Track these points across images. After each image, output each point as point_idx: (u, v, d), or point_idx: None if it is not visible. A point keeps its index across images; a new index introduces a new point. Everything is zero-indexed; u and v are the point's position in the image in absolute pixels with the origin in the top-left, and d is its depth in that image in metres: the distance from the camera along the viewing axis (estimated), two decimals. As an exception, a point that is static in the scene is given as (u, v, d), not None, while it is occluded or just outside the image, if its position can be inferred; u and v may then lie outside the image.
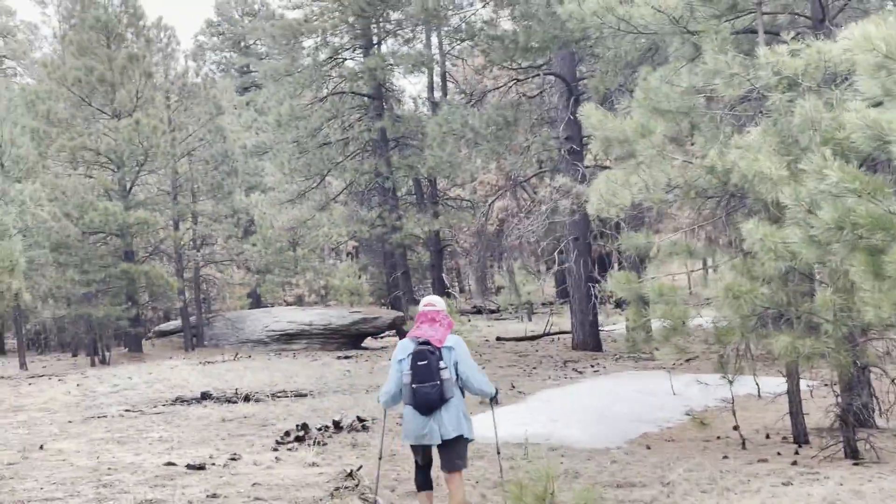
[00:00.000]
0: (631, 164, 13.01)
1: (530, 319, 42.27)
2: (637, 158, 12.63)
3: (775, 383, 16.30)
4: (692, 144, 12.68)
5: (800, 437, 12.76)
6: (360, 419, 15.19)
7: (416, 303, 33.28)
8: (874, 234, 6.87)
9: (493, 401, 8.55)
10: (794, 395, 12.72)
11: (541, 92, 28.65)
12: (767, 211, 11.30)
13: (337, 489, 10.26)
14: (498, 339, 33.36)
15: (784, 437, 13.34)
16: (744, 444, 12.78)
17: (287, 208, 34.42)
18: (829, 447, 11.78)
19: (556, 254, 26.58)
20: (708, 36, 12.05)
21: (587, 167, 25.87)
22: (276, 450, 13.13)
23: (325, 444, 13.47)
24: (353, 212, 33.83)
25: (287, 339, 31.95)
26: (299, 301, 43.65)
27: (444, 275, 38.60)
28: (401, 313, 33.98)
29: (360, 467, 11.15)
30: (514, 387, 19.42)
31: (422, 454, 8.19)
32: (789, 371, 12.63)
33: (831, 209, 7.14)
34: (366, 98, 33.72)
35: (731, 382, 12.68)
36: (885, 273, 6.99)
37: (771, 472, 10.84)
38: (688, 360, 23.73)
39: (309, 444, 13.45)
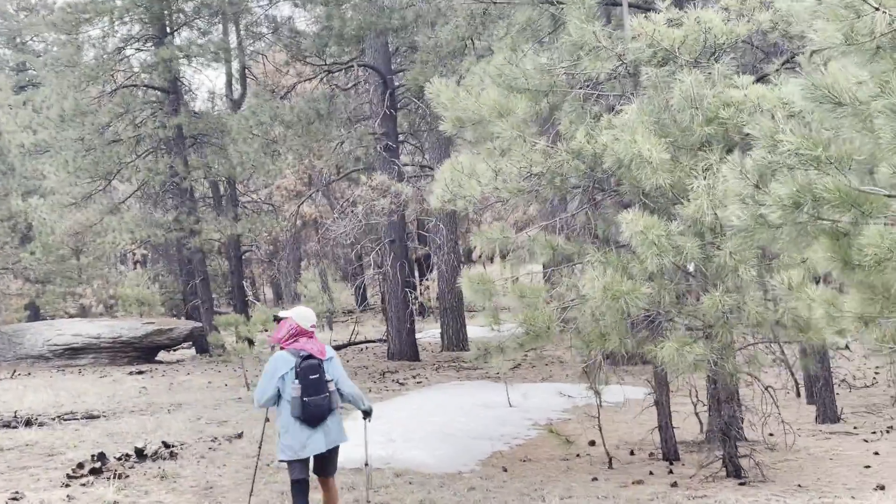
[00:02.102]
0: (483, 149, 11.56)
1: (331, 328, 40.47)
2: (494, 142, 11.18)
3: (615, 392, 15.14)
4: (555, 126, 11.30)
5: (670, 452, 11.56)
6: (166, 445, 13.13)
7: (214, 312, 31.26)
8: (841, 212, 5.63)
9: (367, 416, 8.71)
10: (663, 406, 11.50)
11: (354, 85, 26.97)
12: (645, 200, 10.01)
13: (150, 539, 8.31)
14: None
15: (651, 454, 12.13)
16: (610, 462, 11.45)
17: (71, 212, 31.44)
18: (708, 464, 10.59)
19: (371, 257, 24.94)
20: (573, 5, 10.69)
21: (405, 165, 24.38)
22: (67, 485, 10.98)
23: (127, 478, 11.41)
24: (147, 214, 31.19)
25: (72, 353, 29.05)
26: (84, 312, 40.45)
27: (245, 282, 36.33)
28: (199, 324, 31.55)
29: (178, 509, 9.23)
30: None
31: (303, 467, 8.14)
32: (658, 380, 11.40)
33: (789, 182, 5.87)
34: (160, 92, 31.15)
35: (598, 394, 11.32)
36: (856, 260, 5.75)
37: (654, 497, 9.54)
38: (513, 369, 22.58)
39: (108, 479, 11.33)
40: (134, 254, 49.65)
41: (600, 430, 11.64)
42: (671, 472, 10.88)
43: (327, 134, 23.81)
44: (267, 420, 15.93)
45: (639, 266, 9.79)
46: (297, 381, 7.90)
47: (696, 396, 11.96)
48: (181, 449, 13.17)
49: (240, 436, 14.35)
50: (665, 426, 11.53)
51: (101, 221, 31.00)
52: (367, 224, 24.79)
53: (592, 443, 12.23)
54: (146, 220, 30.70)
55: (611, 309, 9.55)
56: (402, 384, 20.87)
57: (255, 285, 60.24)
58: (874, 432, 13.37)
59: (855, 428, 13.76)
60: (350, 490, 10.44)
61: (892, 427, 13.69)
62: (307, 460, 8.14)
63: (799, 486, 10.04)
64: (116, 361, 28.93)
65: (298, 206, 26.57)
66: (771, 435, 11.48)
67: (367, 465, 9.44)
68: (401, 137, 25.94)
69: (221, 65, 31.50)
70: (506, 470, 11.49)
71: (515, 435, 14.13)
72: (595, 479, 10.65)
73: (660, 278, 9.78)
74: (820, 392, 14.02)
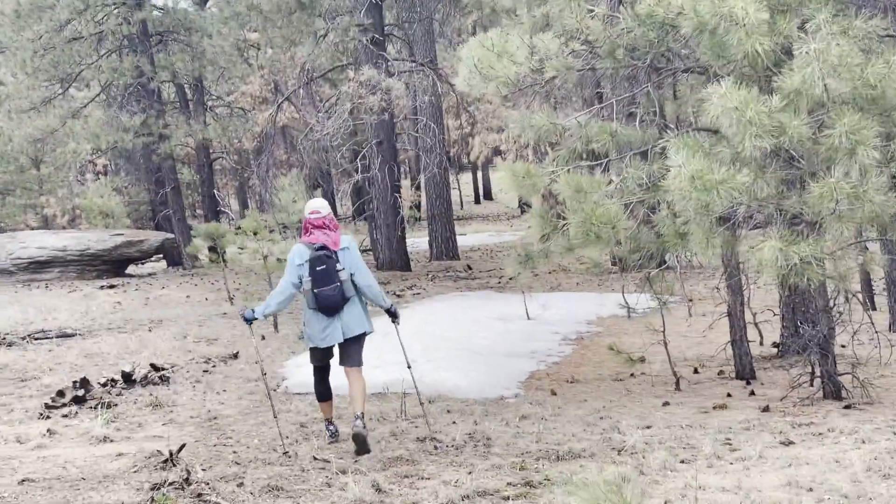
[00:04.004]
0: (525, 20, 9.81)
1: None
2: (538, 9, 9.42)
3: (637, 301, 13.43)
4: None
5: (745, 370, 10.03)
6: (155, 368, 11.47)
7: (188, 226, 29.36)
8: None
9: (394, 318, 8.57)
10: (736, 318, 9.94)
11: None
12: (741, 73, 8.31)
13: (156, 487, 6.65)
14: (279, 259, 29.60)
15: (720, 372, 10.60)
16: (678, 383, 9.89)
17: (30, 118, 29.21)
18: (799, 384, 9.06)
19: (357, 161, 23.06)
20: None
21: (394, 60, 22.46)
22: (47, 417, 9.38)
23: (115, 407, 9.79)
24: (112, 119, 28.96)
25: (37, 267, 27.13)
26: (46, 225, 38.44)
27: (216, 192, 34.32)
28: (171, 235, 29.69)
29: (183, 446, 7.58)
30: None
31: (324, 355, 8.23)
32: (732, 288, 9.82)
33: None
34: (121, -15, 28.83)
35: (664, 304, 9.71)
36: None
37: (749, 425, 8.01)
38: (512, 278, 21.01)
39: (93, 408, 9.71)
40: (95, 164, 47.51)
41: (665, 346, 10.05)
42: (753, 393, 9.36)
43: (310, 25, 21.74)
44: (263, 337, 14.39)
45: (730, 151, 8.15)
46: (308, 274, 7.93)
47: (740, 308, 10.39)
48: (173, 372, 11.56)
49: (235, 356, 12.74)
50: (739, 340, 10.00)
51: (63, 127, 28.91)
52: (354, 124, 22.93)
53: (643, 359, 10.67)
54: (111, 125, 28.58)
55: (699, 203, 7.89)
56: (398, 296, 19.26)
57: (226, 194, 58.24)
58: (962, 343, 11.95)
59: (937, 338, 12.35)
60: (381, 421, 8.86)
61: (979, 336, 12.29)
62: (328, 350, 8.19)
63: (915, 408, 8.57)
64: (84, 275, 27.10)
65: (277, 106, 24.50)
66: (860, 345, 9.91)
67: (409, 367, 8.84)
68: (386, 30, 23.90)
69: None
70: (555, 394, 9.93)
71: (548, 352, 12.58)
72: (666, 403, 9.10)
73: (757, 165, 8.12)
74: (895, 297, 12.53)
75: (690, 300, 10.05)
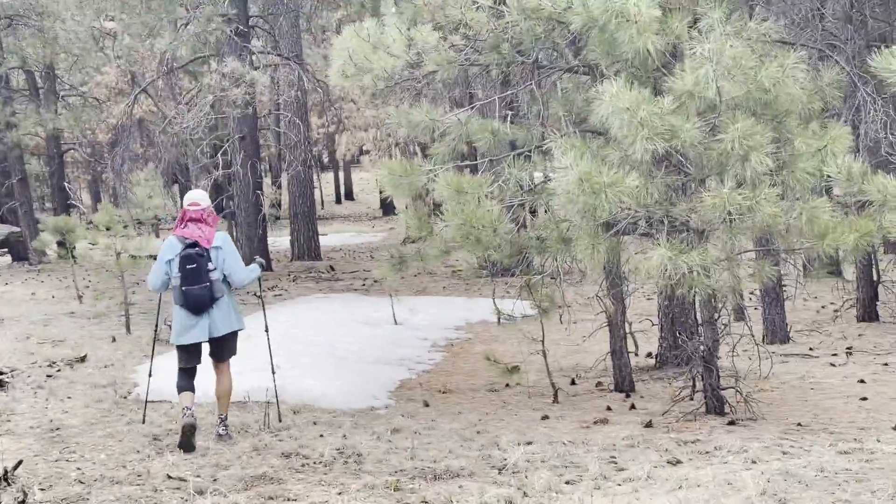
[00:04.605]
0: (407, 9, 9.29)
1: (157, 236, 37.18)
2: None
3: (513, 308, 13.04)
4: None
5: (624, 383, 9.70)
6: (-9, 372, 10.58)
7: (36, 220, 27.88)
8: None
9: (259, 280, 8.77)
10: (616, 328, 9.60)
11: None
12: (631, 73, 7.94)
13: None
14: (132, 256, 28.32)
15: (598, 384, 10.24)
16: (556, 395, 9.48)
17: None
18: (681, 398, 8.75)
19: (219, 156, 22.11)
20: None
21: (259, 52, 21.66)
22: None
23: (-57, 416, 8.91)
24: (-45, 104, 27.36)
25: None
26: None
27: (66, 184, 32.77)
28: (17, 228, 28.16)
29: (20, 462, 6.79)
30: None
31: (189, 354, 8.02)
32: (615, 297, 9.48)
33: None
34: (-31, -36, 27.28)
35: (545, 312, 9.29)
36: None
37: (632, 442, 7.63)
38: (377, 281, 20.46)
39: (-84, 418, 8.81)
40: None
41: (544, 356, 9.62)
42: (633, 406, 9.01)
43: (171, 13, 20.78)
44: (114, 339, 13.51)
45: (619, 154, 7.78)
46: (177, 270, 7.76)
47: (621, 318, 10.07)
48: (12, 377, 10.67)
49: (82, 359, 11.87)
50: (619, 351, 9.65)
51: None
52: (216, 118, 22.04)
53: (516, 368, 10.24)
54: (-47, 111, 26.99)
55: (586, 206, 7.49)
56: (258, 297, 18.44)
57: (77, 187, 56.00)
58: (835, 354, 11.85)
59: (811, 349, 12.22)
60: (243, 433, 8.21)
61: (851, 348, 12.22)
62: (195, 351, 8.01)
63: (800, 424, 8.33)
64: (-80, 269, 25.51)
65: (134, 98, 23.35)
66: (736, 356, 9.65)
67: (273, 372, 8.91)
68: (251, 22, 23.08)
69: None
70: (428, 405, 9.42)
71: (417, 359, 12.07)
72: (546, 416, 8.67)
73: (646, 169, 7.77)
74: (769, 308, 12.42)
75: (565, 307, 9.64)
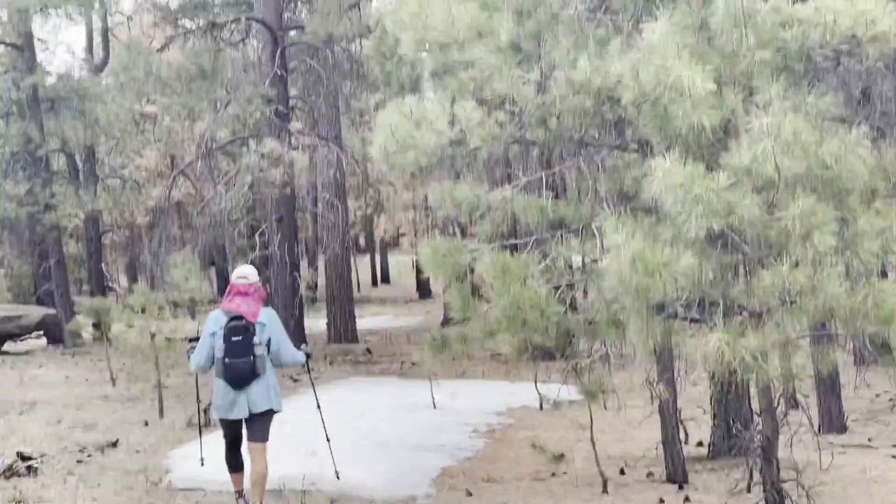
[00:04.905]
0: (452, 83, 9.07)
1: (193, 318, 36.95)
2: (465, 72, 8.69)
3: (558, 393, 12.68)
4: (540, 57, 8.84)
5: (677, 473, 9.23)
6: (22, 457, 10.24)
7: (72, 302, 27.77)
8: None
9: (308, 364, 8.86)
10: (669, 415, 9.18)
11: (242, 40, 23.92)
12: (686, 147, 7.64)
13: None
14: (167, 339, 28.07)
15: (649, 473, 9.77)
16: (605, 485, 9.03)
17: None
18: (738, 491, 8.29)
19: (256, 237, 21.98)
20: None
21: (298, 133, 21.61)
22: None
23: (-31, 505, 8.59)
24: (-5, 186, 27.48)
25: None
26: (-85, 298, 36.34)
27: (104, 266, 32.82)
28: (53, 310, 28.05)
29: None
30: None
31: (230, 428, 8.05)
32: (666, 383, 9.08)
33: None
34: (12, 48, 27.52)
35: (593, 396, 8.87)
36: None
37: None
38: (414, 364, 20.10)
39: (-58, 506, 8.49)
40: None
41: (593, 444, 9.19)
42: (688, 499, 8.55)
43: (211, 94, 20.81)
44: (146, 423, 13.20)
45: (673, 232, 7.44)
46: (221, 342, 7.73)
47: (673, 405, 9.64)
48: (42, 462, 10.32)
49: (114, 444, 11.54)
50: (671, 440, 9.21)
51: (-59, 192, 27.38)
52: (253, 198, 21.95)
53: (562, 456, 9.81)
54: (-6, 193, 27.13)
55: (640, 287, 7.14)
56: (295, 380, 18.10)
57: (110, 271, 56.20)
58: (895, 445, 11.33)
59: (870, 440, 11.70)
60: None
61: (913, 440, 11.70)
62: (236, 424, 7.99)
63: (866, 519, 7.85)
64: (-44, 351, 25.38)
65: (173, 179, 23.40)
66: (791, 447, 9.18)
67: (328, 440, 9.01)
68: (291, 103, 23.10)
69: (82, 17, 28.06)
70: (471, 494, 8.99)
71: (459, 445, 11.65)
72: (595, 509, 8.24)
73: (700, 248, 7.42)
74: (825, 396, 11.93)
75: (613, 392, 9.23)
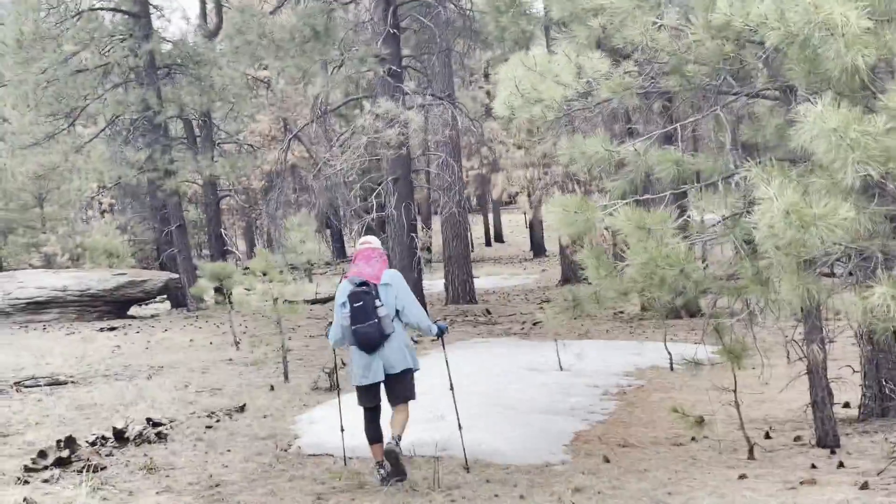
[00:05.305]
0: (580, 34, 8.64)
1: (311, 280, 37.14)
2: (597, 18, 8.27)
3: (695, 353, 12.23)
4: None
5: (828, 438, 8.73)
6: (152, 423, 10.24)
7: (194, 266, 28.05)
8: None
9: (442, 339, 8.78)
10: (818, 377, 8.68)
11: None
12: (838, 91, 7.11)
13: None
14: (289, 301, 28.12)
15: (797, 437, 9.29)
16: (751, 450, 8.59)
17: (33, 154, 28.01)
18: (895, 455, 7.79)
19: (372, 199, 21.85)
20: None
21: (412, 93, 21.32)
22: (25, 482, 8.09)
23: (103, 470, 8.55)
24: (116, 154, 27.83)
25: (36, 308, 25.94)
26: (49, 264, 37.25)
27: (223, 230, 33.14)
28: (175, 275, 28.48)
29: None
30: (344, 364, 14.63)
31: (369, 395, 8.00)
32: (817, 343, 8.57)
33: None
34: (128, 16, 27.79)
35: (737, 358, 8.41)
36: None
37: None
38: (535, 324, 19.77)
39: (78, 472, 8.43)
40: (101, 203, 46.57)
41: (737, 406, 8.73)
42: (842, 464, 8.04)
43: (324, 55, 20.62)
44: (272, 388, 13.15)
45: (826, 182, 6.94)
46: (347, 310, 7.81)
47: (823, 365, 9.09)
48: (171, 428, 10.31)
49: (242, 409, 11.49)
50: (822, 402, 8.71)
51: (66, 163, 27.77)
52: (368, 160, 21.76)
53: (702, 420, 9.36)
54: (115, 161, 27.48)
55: (794, 242, 6.67)
56: (416, 342, 17.98)
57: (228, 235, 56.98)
58: None
59: None
60: (412, 492, 7.62)
61: None
62: (374, 390, 7.98)
63: None
64: (85, 317, 25.94)
65: (288, 143, 23.36)
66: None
67: (460, 428, 8.54)
68: (404, 62, 22.79)
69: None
70: (608, 461, 8.63)
71: (589, 408, 11.28)
72: (743, 475, 7.78)
73: (856, 198, 6.91)
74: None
75: (758, 353, 8.72)
